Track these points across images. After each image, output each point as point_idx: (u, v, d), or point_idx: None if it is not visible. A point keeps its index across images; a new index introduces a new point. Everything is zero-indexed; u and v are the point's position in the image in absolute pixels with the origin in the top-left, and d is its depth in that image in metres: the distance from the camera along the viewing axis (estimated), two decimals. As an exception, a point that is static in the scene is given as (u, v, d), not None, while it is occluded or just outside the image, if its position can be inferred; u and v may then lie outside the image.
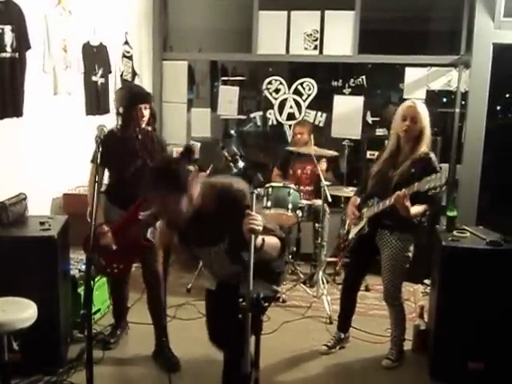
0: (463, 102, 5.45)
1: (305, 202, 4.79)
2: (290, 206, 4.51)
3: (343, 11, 5.62)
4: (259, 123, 6.18)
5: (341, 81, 5.86)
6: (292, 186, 4.63)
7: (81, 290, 3.66)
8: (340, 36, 5.64)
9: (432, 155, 3.25)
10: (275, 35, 5.77)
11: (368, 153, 5.66)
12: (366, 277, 3.91)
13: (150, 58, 6.03)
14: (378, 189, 3.33)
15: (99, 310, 3.98)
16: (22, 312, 2.70)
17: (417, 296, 4.46)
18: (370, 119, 5.76)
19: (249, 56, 5.98)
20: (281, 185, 4.65)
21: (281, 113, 5.95)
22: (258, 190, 4.48)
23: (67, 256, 3.52)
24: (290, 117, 5.92)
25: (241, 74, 6.92)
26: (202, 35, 6.64)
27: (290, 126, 5.88)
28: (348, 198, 4.00)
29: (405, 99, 5.56)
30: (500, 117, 7.37)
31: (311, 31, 5.69)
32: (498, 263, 3.20)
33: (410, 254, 3.34)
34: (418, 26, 6.23)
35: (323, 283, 4.54)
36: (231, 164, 3.26)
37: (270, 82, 5.96)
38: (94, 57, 4.74)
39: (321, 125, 5.87)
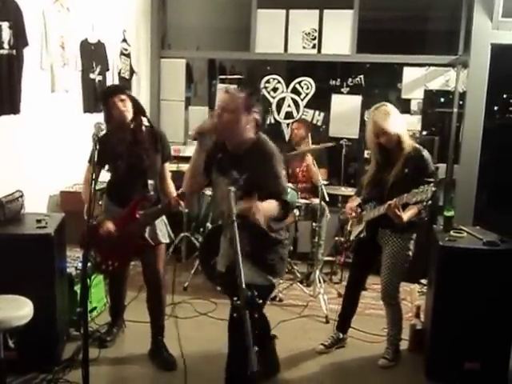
0: (461, 102, 5.45)
1: (302, 201, 4.79)
2: (288, 204, 4.49)
3: (342, 10, 5.63)
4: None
5: (339, 80, 5.86)
6: (289, 185, 4.63)
7: (77, 288, 3.65)
8: (338, 35, 5.64)
9: (424, 153, 3.25)
10: (273, 34, 5.77)
11: (366, 152, 5.66)
12: (368, 275, 3.90)
13: (148, 56, 6.02)
14: (375, 192, 3.34)
15: (96, 307, 3.97)
16: (18, 310, 2.70)
17: (413, 296, 4.46)
18: (367, 118, 5.76)
19: (247, 54, 5.98)
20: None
21: (279, 111, 5.95)
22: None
23: (64, 254, 3.51)
24: (288, 116, 5.92)
25: (239, 73, 6.90)
26: (200, 33, 6.63)
27: (287, 124, 5.88)
28: (345, 197, 4.00)
29: (402, 99, 5.60)
30: (498, 117, 7.39)
31: (309, 30, 5.69)
32: (494, 263, 3.20)
33: (411, 253, 3.35)
34: (417, 25, 6.24)
35: (320, 282, 4.54)
36: None
37: (268, 81, 5.95)
38: (92, 54, 4.73)
39: (319, 124, 5.87)
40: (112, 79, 5.14)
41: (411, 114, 5.58)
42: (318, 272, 4.59)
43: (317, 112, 5.86)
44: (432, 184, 2.99)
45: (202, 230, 5.20)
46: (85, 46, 4.61)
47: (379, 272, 3.44)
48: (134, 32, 5.63)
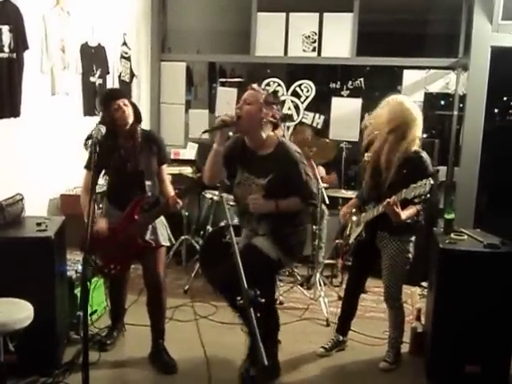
0: (461, 105, 5.46)
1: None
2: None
3: (342, 13, 5.63)
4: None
5: (339, 83, 5.87)
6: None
7: (77, 291, 3.64)
8: (338, 38, 5.65)
9: (423, 154, 3.23)
10: (273, 37, 5.78)
11: (366, 155, 5.65)
12: (368, 278, 3.90)
13: (148, 59, 6.03)
14: (374, 193, 3.33)
15: (96, 311, 3.96)
16: (19, 313, 2.69)
17: (414, 298, 4.46)
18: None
19: (247, 57, 5.99)
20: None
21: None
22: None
23: (64, 257, 3.50)
24: (289, 118, 5.91)
25: (239, 76, 6.92)
26: (200, 36, 6.64)
27: (287, 127, 5.88)
28: (345, 200, 4.01)
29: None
30: (498, 119, 7.40)
31: (309, 33, 5.70)
32: (495, 266, 3.20)
33: (410, 256, 3.34)
34: (417, 28, 6.25)
35: (321, 285, 4.54)
36: None
37: (268, 84, 5.96)
38: (92, 57, 4.74)
39: (319, 127, 5.87)
40: (112, 82, 5.15)
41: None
42: (318, 275, 4.58)
43: (317, 115, 5.87)
44: (430, 178, 2.99)
45: (202, 233, 5.19)
46: (85, 49, 4.62)
47: (380, 275, 3.44)
48: (134, 35, 5.64)
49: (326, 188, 4.61)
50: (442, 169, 5.47)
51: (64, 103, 4.31)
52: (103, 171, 3.36)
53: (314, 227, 4.70)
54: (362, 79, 5.80)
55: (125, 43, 5.43)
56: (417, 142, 3.24)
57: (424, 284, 4.62)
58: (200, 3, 6.47)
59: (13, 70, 3.54)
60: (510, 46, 5.07)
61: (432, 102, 5.72)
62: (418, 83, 5.55)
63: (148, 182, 3.35)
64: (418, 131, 3.24)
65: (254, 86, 3.06)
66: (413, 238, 3.34)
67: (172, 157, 5.92)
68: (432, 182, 2.97)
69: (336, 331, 3.72)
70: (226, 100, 6.00)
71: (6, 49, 3.47)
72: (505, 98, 7.50)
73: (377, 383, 3.39)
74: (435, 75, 5.54)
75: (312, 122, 5.86)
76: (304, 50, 5.75)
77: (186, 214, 5.17)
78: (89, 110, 4.69)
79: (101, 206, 3.52)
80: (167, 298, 3.51)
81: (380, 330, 3.81)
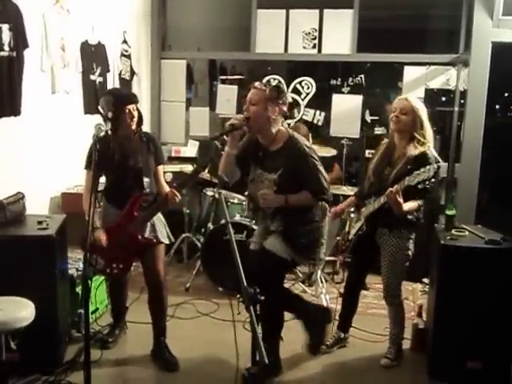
0: (462, 101, 5.44)
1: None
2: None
3: (342, 10, 5.62)
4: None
5: (339, 79, 5.86)
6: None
7: (79, 290, 3.65)
8: (339, 35, 5.63)
9: (428, 151, 3.18)
10: (274, 34, 5.77)
11: (367, 152, 5.66)
12: (367, 275, 3.90)
13: (149, 57, 6.02)
14: (375, 188, 3.32)
15: (97, 309, 3.97)
16: (20, 311, 2.70)
17: (415, 295, 4.46)
18: (368, 118, 5.76)
19: (247, 55, 5.98)
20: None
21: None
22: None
23: (65, 255, 3.51)
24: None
25: (239, 73, 6.92)
26: (200, 34, 6.64)
27: (288, 124, 5.87)
28: (347, 197, 4.00)
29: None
30: (499, 115, 7.39)
31: (310, 30, 5.69)
32: (496, 262, 3.19)
33: (410, 253, 3.33)
34: (417, 24, 6.24)
35: (322, 282, 4.54)
36: (222, 153, 3.29)
37: (268, 81, 5.93)
38: (92, 55, 4.73)
39: (319, 123, 5.87)
40: (113, 80, 5.15)
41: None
42: (319, 272, 4.58)
43: (317, 112, 5.86)
44: (435, 165, 2.98)
45: (203, 230, 5.19)
46: (85, 47, 4.62)
47: (380, 271, 3.44)
48: (134, 33, 5.63)
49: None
50: (443, 165, 5.45)
51: (64, 102, 4.31)
52: (102, 172, 3.36)
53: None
54: (362, 76, 5.79)
55: (125, 41, 5.43)
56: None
57: (425, 280, 4.62)
58: (200, 1, 6.47)
59: (13, 68, 3.54)
60: (510, 42, 5.05)
61: (433, 99, 5.70)
62: (419, 79, 5.54)
63: (146, 179, 3.37)
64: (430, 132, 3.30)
65: (257, 84, 3.07)
66: (412, 236, 3.33)
67: (173, 154, 5.93)
68: (436, 167, 2.96)
69: (337, 328, 3.72)
70: (227, 97, 6.00)
71: (6, 47, 3.47)
72: (506, 94, 7.48)
73: (378, 380, 3.39)
74: (436, 71, 5.52)
75: (313, 119, 5.86)
76: (304, 47, 5.74)
77: (187, 211, 5.17)
78: (89, 109, 4.69)
79: (101, 204, 3.52)
80: (168, 296, 3.52)
81: (381, 327, 3.81)
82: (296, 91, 5.89)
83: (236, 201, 4.98)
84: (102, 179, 3.41)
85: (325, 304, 4.20)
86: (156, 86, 6.10)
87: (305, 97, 5.87)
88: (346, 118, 5.72)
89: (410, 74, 5.56)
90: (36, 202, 3.76)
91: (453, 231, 3.44)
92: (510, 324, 3.22)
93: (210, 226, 4.94)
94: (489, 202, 6.24)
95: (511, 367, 3.28)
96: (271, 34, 5.78)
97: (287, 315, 3.37)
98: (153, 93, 6.10)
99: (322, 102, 5.90)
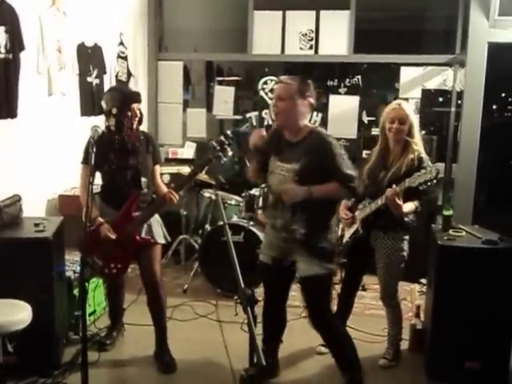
0: (459, 101, 5.45)
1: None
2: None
3: (338, 11, 5.63)
4: (255, 123, 6.18)
5: (336, 80, 5.86)
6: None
7: (76, 292, 3.64)
8: (335, 36, 5.64)
9: (423, 155, 3.25)
10: (270, 35, 5.77)
11: (364, 152, 5.65)
12: (363, 276, 3.91)
13: (145, 59, 6.02)
14: (370, 190, 3.33)
15: (95, 311, 3.96)
16: (17, 314, 2.69)
17: (413, 295, 4.46)
18: (365, 119, 5.77)
19: (244, 56, 5.98)
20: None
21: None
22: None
23: (62, 257, 3.50)
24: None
25: (236, 74, 6.91)
26: (197, 35, 6.63)
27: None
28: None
29: (400, 99, 5.59)
30: (496, 116, 7.39)
31: (306, 31, 5.69)
32: (493, 262, 3.20)
33: (405, 254, 3.34)
34: (413, 25, 6.23)
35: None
36: (220, 154, 3.27)
37: (265, 82, 5.96)
38: (89, 57, 4.73)
39: (317, 124, 5.87)
40: (109, 82, 5.14)
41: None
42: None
43: (315, 112, 5.86)
44: (435, 166, 3.00)
45: (200, 232, 5.19)
46: (81, 49, 4.61)
47: (376, 273, 3.44)
48: (130, 35, 5.63)
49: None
50: (440, 165, 5.45)
51: (61, 104, 4.31)
52: (99, 169, 3.35)
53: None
54: (359, 76, 5.80)
55: (121, 43, 5.42)
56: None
57: (423, 281, 4.62)
58: (197, 2, 6.47)
59: (9, 70, 3.54)
60: (507, 42, 5.06)
61: (429, 99, 5.72)
62: (416, 80, 5.55)
63: (144, 179, 3.38)
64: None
65: (283, 78, 2.99)
66: (406, 237, 3.35)
67: (170, 156, 5.92)
68: (437, 168, 3.00)
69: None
70: (224, 99, 6.01)
71: (2, 49, 3.47)
72: (503, 95, 7.49)
73: (376, 380, 3.39)
74: (432, 72, 5.53)
75: (310, 120, 5.84)
76: (301, 48, 5.75)
77: (185, 213, 5.17)
78: (86, 111, 4.69)
79: (97, 204, 3.51)
80: (167, 298, 3.51)
81: (379, 328, 3.81)
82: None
83: (233, 202, 4.99)
84: (98, 181, 3.41)
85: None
86: (153, 87, 6.10)
87: (302, 98, 5.86)
88: (343, 119, 5.73)
89: (406, 74, 5.57)
90: (33, 204, 3.75)
91: (450, 231, 3.44)
92: (508, 324, 3.23)
93: (208, 227, 4.94)
94: (486, 202, 6.25)
95: (509, 367, 3.28)
96: (268, 36, 5.79)
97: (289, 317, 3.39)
98: (150, 94, 6.10)
99: (318, 102, 5.88)
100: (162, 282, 3.46)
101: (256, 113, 6.11)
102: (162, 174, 3.71)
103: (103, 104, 3.29)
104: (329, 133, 3.08)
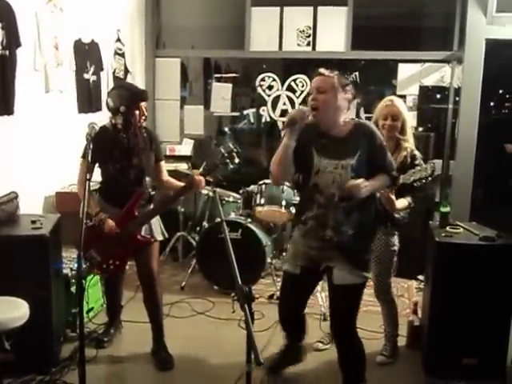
0: (456, 98, 5.45)
1: (298, 198, 4.79)
2: (284, 202, 4.53)
3: (336, 7, 5.61)
4: (252, 120, 6.18)
5: (334, 77, 5.84)
6: (286, 183, 4.62)
7: (73, 289, 3.63)
8: (333, 32, 5.63)
9: (416, 152, 3.28)
10: (268, 32, 5.76)
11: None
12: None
13: (143, 56, 6.01)
14: None
15: (92, 308, 3.96)
16: (14, 311, 2.69)
17: (410, 292, 4.46)
18: (363, 115, 5.76)
19: (242, 53, 5.97)
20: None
21: (274, 109, 5.94)
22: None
23: (59, 255, 3.49)
24: (284, 113, 5.91)
25: (234, 71, 6.91)
26: (194, 32, 6.62)
27: (283, 122, 5.87)
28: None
29: (398, 95, 5.59)
30: (493, 112, 7.40)
31: (304, 27, 5.68)
32: (491, 259, 3.20)
33: (396, 248, 3.36)
34: (411, 22, 6.24)
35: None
36: (227, 160, 3.26)
37: (263, 79, 5.94)
38: (86, 54, 4.71)
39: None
40: (106, 79, 5.13)
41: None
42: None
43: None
44: (430, 163, 3.01)
45: (198, 229, 5.19)
46: (78, 46, 4.59)
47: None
48: (128, 31, 5.61)
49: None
50: (438, 162, 5.46)
51: (58, 100, 4.29)
52: (101, 166, 3.35)
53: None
54: (357, 73, 5.78)
55: (119, 39, 5.41)
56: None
57: (420, 277, 4.62)
58: (194, -1, 6.46)
59: (5, 67, 3.52)
60: (504, 39, 5.07)
61: (427, 96, 5.72)
62: (413, 77, 5.55)
63: (147, 178, 3.40)
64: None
65: (322, 70, 2.90)
66: (396, 232, 3.36)
67: (167, 153, 5.91)
68: (433, 165, 3.00)
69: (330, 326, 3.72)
70: (222, 95, 5.99)
71: (-1, 46, 3.45)
72: (500, 91, 7.50)
73: (374, 377, 3.38)
74: (430, 68, 5.53)
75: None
76: (299, 45, 5.74)
77: (182, 210, 5.17)
78: (83, 107, 4.67)
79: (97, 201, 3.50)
80: (164, 295, 3.51)
81: (377, 324, 3.82)
82: (291, 89, 5.88)
83: (231, 199, 4.99)
84: (95, 177, 3.40)
85: (321, 304, 4.20)
86: (150, 84, 6.08)
87: (299, 94, 5.86)
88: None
89: (404, 71, 5.57)
90: (30, 201, 3.74)
91: (447, 228, 3.44)
92: (505, 320, 3.24)
93: (205, 224, 4.94)
94: (483, 198, 6.26)
95: (507, 363, 3.29)
96: (265, 32, 5.77)
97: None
98: (147, 91, 6.07)
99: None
100: (159, 278, 3.46)
101: (254, 110, 6.10)
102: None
103: (109, 102, 3.25)
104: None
